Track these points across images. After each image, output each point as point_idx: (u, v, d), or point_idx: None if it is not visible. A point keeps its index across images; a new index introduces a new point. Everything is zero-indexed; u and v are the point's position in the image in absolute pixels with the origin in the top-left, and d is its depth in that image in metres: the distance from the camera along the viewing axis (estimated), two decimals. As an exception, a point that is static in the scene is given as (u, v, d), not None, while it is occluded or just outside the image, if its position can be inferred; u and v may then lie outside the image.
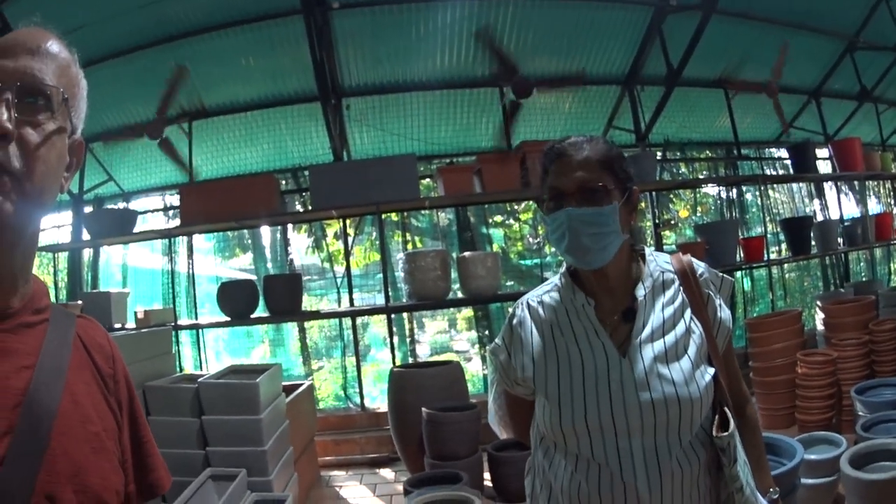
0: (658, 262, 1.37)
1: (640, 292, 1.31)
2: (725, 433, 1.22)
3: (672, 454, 1.20)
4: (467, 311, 6.77)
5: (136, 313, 4.99)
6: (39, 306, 0.83)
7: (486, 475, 4.14)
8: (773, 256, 6.63)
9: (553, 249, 6.36)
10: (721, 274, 1.40)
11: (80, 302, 5.59)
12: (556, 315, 1.35)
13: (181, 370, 5.47)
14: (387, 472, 4.83)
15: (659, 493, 1.18)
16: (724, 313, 1.35)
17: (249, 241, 6.88)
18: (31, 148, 0.75)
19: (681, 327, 1.29)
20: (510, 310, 1.45)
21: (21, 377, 0.76)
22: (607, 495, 1.20)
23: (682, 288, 1.33)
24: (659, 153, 6.72)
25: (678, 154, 7.04)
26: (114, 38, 5.15)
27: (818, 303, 5.68)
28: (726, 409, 1.26)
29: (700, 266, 1.37)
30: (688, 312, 1.31)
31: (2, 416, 0.73)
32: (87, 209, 6.37)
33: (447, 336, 7.11)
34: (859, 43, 7.02)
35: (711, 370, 1.26)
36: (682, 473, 1.20)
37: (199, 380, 3.56)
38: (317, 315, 5.60)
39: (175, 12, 5.02)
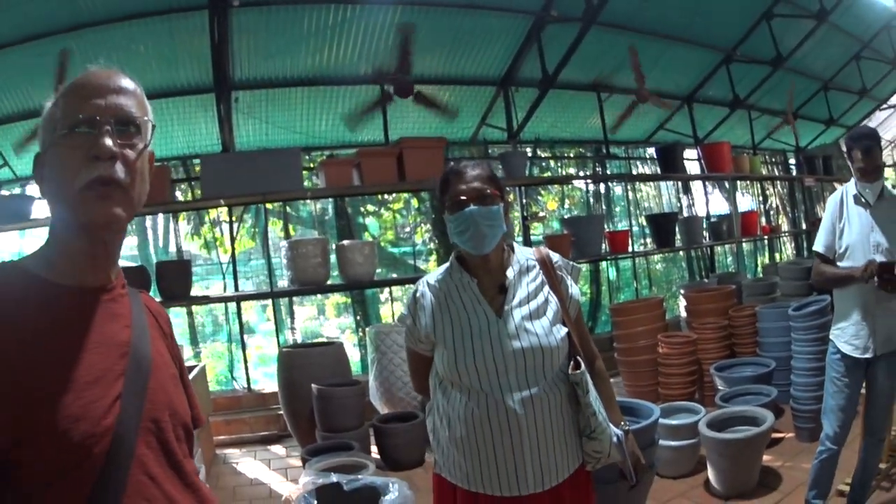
0: (523, 253, 1.88)
1: (511, 273, 1.81)
2: (578, 371, 1.73)
3: (539, 386, 1.71)
4: (335, 298, 7.23)
5: None
6: (123, 283, 1.08)
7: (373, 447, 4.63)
8: (639, 249, 7.31)
9: (431, 240, 6.92)
10: (572, 262, 1.93)
11: None
12: (448, 289, 1.82)
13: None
14: (278, 449, 5.24)
15: (532, 414, 1.68)
16: (574, 290, 1.89)
17: (133, 227, 7.09)
18: (130, 164, 0.98)
19: (541, 298, 1.80)
20: (413, 290, 1.91)
21: (124, 333, 1.01)
22: (493, 416, 1.68)
23: (541, 272, 1.85)
24: (529, 150, 7.30)
25: (549, 151, 7.65)
26: (11, 27, 5.21)
27: (681, 291, 6.42)
28: (578, 357, 1.78)
29: (555, 256, 1.90)
30: (546, 289, 1.82)
31: (116, 363, 0.96)
32: None
33: (317, 322, 7.54)
34: (736, 55, 7.82)
35: (565, 329, 1.78)
36: (548, 400, 1.71)
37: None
38: (207, 300, 5.92)
39: (78, 4, 5.15)
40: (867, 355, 2.83)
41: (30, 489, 0.85)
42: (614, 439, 1.78)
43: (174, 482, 1.00)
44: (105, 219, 0.96)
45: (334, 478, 3.18)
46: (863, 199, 2.87)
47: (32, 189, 6.87)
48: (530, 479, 1.70)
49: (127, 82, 1.02)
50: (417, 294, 1.87)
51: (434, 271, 1.94)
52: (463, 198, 1.74)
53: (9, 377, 0.84)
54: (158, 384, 1.01)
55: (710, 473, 3.69)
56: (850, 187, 2.93)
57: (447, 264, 1.90)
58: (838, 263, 2.91)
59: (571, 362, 1.76)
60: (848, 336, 2.89)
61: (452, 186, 1.78)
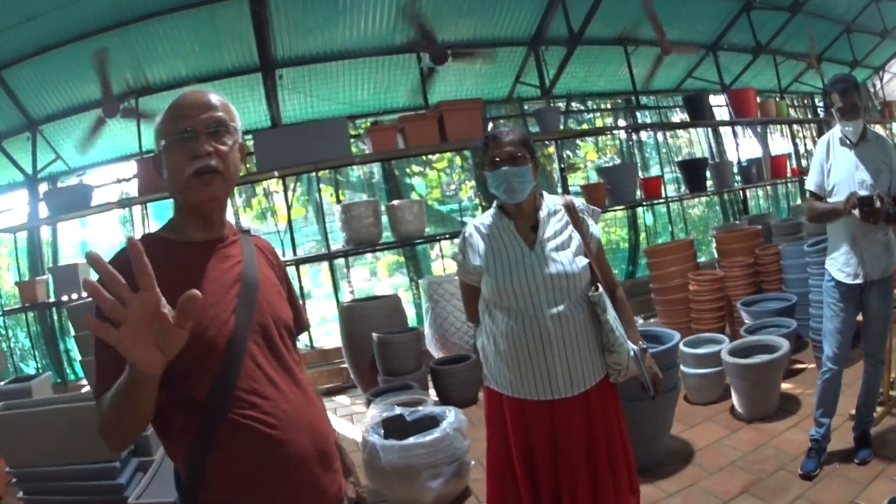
0: (552, 200, 2.29)
1: (541, 215, 2.22)
2: (596, 293, 2.13)
3: (566, 305, 2.10)
4: (388, 259, 7.67)
5: None
6: (233, 233, 1.49)
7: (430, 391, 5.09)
8: (672, 194, 7.63)
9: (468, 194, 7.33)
10: (592, 206, 2.33)
11: (46, 277, 6.26)
12: (492, 230, 2.25)
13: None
14: (342, 399, 5.73)
15: (560, 329, 2.08)
16: (594, 229, 2.28)
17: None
18: (223, 155, 1.37)
19: (565, 235, 2.20)
20: (462, 230, 2.33)
21: (236, 268, 1.41)
22: (529, 330, 2.09)
23: (566, 214, 2.25)
24: (563, 105, 7.65)
25: (581, 105, 8.00)
26: (69, 25, 5.69)
27: (713, 232, 6.75)
28: (598, 283, 2.17)
29: (578, 201, 2.31)
30: (570, 228, 2.22)
31: (231, 288, 1.37)
32: (42, 188, 6.89)
33: (370, 284, 8.04)
34: (755, 3, 8.02)
35: (586, 260, 2.17)
36: (573, 318, 2.10)
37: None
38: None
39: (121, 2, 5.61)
40: (858, 281, 3.08)
41: (173, 381, 1.22)
42: (631, 353, 2.14)
43: (276, 368, 1.39)
44: (207, 197, 1.36)
45: (397, 410, 3.64)
46: (847, 140, 3.11)
47: (89, 178, 7.41)
48: (562, 385, 2.10)
49: (214, 99, 1.40)
50: (467, 234, 2.29)
51: (480, 216, 2.36)
52: (497, 159, 2.16)
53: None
54: (264, 298, 1.42)
55: (734, 398, 4.04)
56: (835, 131, 3.18)
57: (491, 210, 2.32)
58: (828, 200, 3.13)
59: (592, 287, 2.16)
60: (840, 264, 3.14)
61: (490, 149, 2.20)
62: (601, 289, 2.16)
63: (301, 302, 1.70)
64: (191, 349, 1.13)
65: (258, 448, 1.30)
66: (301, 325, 1.63)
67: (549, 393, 2.11)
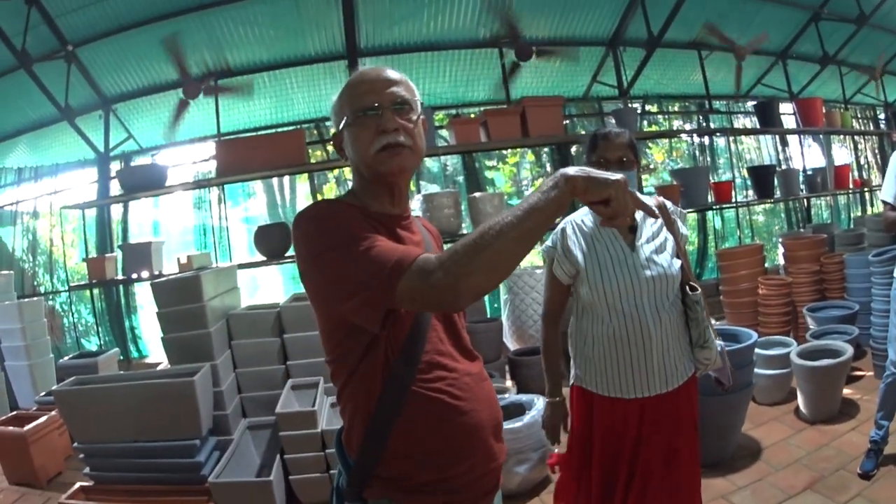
0: (646, 200, 2.34)
1: (638, 216, 2.19)
2: (697, 292, 2.18)
3: (665, 306, 2.12)
4: None
5: (178, 259, 5.66)
6: (410, 211, 1.54)
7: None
8: (741, 199, 7.71)
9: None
10: (679, 209, 2.36)
11: (115, 254, 6.34)
12: (589, 229, 2.23)
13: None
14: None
15: (659, 327, 2.09)
16: (684, 230, 2.32)
17: (254, 190, 7.69)
18: (410, 130, 1.39)
19: (662, 236, 2.21)
20: (557, 226, 2.28)
21: (421, 245, 1.46)
22: (630, 331, 2.10)
23: (661, 216, 2.22)
24: (639, 105, 7.76)
25: (656, 107, 8.09)
26: (146, 6, 5.86)
27: (780, 239, 6.86)
28: (693, 283, 2.21)
29: (668, 203, 2.31)
30: (664, 229, 2.23)
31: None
32: (114, 167, 7.09)
33: None
34: (823, 13, 8.12)
35: (679, 262, 2.19)
36: (669, 317, 2.13)
37: (281, 304, 4.16)
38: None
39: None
40: None
41: (374, 339, 1.31)
42: (718, 348, 2.22)
43: (454, 342, 1.46)
44: (398, 168, 1.39)
45: None
46: None
47: (163, 158, 7.52)
48: (657, 382, 2.12)
49: (394, 74, 1.43)
50: (566, 230, 2.25)
51: (576, 213, 2.32)
52: (605, 160, 2.19)
53: None
54: None
55: (800, 400, 4.21)
56: None
57: (586, 209, 2.19)
58: None
59: (688, 287, 2.20)
60: None
61: (599, 150, 2.22)
62: (699, 290, 2.21)
63: None
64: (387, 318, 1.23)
65: (443, 415, 1.35)
66: None
67: (644, 390, 2.13)
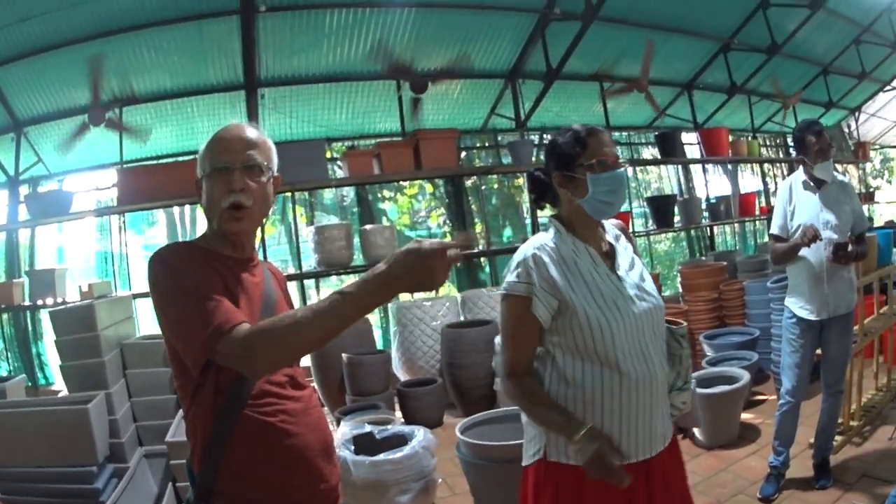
0: (609, 222, 1.96)
1: (610, 238, 1.89)
2: (683, 325, 1.91)
3: (660, 343, 1.82)
4: None
5: (79, 287, 5.52)
6: (256, 255, 1.70)
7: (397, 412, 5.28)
8: (639, 229, 7.92)
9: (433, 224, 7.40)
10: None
11: (22, 280, 6.27)
12: (563, 253, 1.80)
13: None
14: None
15: (662, 368, 1.78)
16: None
17: (156, 218, 7.70)
18: (255, 191, 1.55)
19: (637, 262, 1.91)
20: (519, 257, 1.81)
21: (260, 286, 1.62)
22: (642, 373, 1.72)
23: (624, 238, 1.97)
24: (536, 137, 7.95)
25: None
26: (63, 29, 5.77)
27: (679, 267, 7.08)
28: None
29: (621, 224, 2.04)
30: (635, 255, 1.93)
31: (256, 303, 1.55)
32: (23, 191, 6.95)
33: None
34: (733, 44, 8.37)
35: None
36: (663, 357, 1.82)
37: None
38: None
39: (117, 9, 5.71)
40: (821, 317, 3.30)
41: (210, 369, 1.43)
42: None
43: (287, 373, 1.60)
44: (237, 230, 1.57)
45: (367, 427, 3.83)
46: (811, 184, 3.34)
47: (69, 184, 7.42)
48: (659, 437, 1.77)
49: (252, 134, 1.61)
50: (536, 258, 1.78)
51: (538, 237, 1.87)
52: (605, 159, 1.77)
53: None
54: (279, 311, 1.61)
55: (696, 426, 4.28)
56: (797, 176, 3.44)
57: (552, 230, 1.87)
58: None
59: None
60: (802, 302, 3.36)
61: (597, 146, 1.78)
62: (684, 323, 1.94)
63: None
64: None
65: (271, 439, 1.50)
66: None
67: (648, 450, 1.74)
